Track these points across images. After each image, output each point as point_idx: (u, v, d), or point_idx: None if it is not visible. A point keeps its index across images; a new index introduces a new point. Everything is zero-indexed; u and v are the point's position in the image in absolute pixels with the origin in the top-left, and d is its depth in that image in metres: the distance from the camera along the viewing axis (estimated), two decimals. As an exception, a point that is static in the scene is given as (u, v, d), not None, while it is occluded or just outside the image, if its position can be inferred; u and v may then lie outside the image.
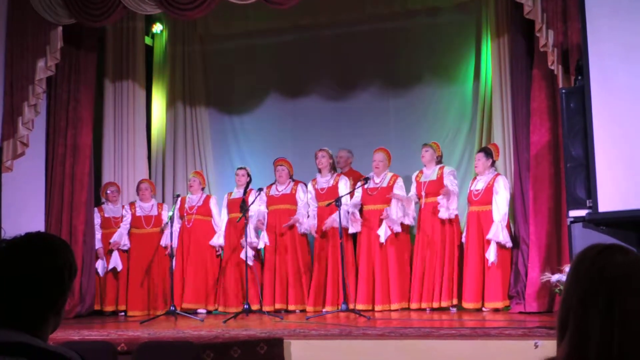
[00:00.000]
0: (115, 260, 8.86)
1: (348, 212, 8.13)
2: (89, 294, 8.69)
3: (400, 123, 9.87)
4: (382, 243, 7.94)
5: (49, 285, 1.92)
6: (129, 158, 9.78)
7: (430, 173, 8.10)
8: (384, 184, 8.19)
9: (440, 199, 7.80)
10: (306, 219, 8.42)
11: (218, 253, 8.88)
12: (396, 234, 8.00)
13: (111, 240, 8.87)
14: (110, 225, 9.07)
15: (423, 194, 8.01)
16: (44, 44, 8.35)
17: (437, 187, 7.93)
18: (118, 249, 8.88)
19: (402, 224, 8.04)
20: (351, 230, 8.13)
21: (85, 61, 9.01)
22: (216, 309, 8.70)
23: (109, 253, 8.94)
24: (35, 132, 8.47)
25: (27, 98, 8.29)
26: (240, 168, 8.97)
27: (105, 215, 9.12)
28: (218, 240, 8.81)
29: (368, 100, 10.05)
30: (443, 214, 7.79)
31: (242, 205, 8.05)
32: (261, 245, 8.51)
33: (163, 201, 9.88)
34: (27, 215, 8.34)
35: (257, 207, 8.48)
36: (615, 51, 5.90)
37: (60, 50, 8.38)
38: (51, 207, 8.74)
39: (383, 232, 7.92)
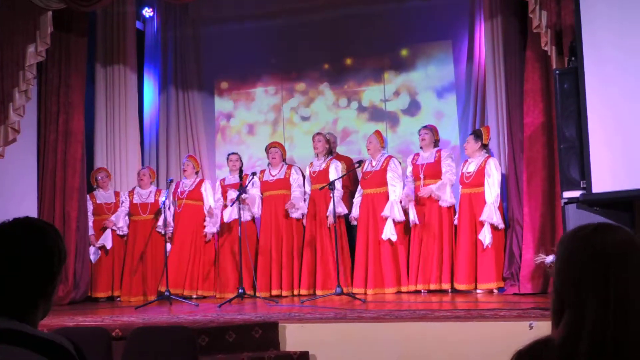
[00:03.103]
0: (105, 238, 8.86)
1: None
2: (83, 280, 8.66)
3: (394, 104, 9.87)
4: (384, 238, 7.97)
5: (38, 271, 1.90)
6: (122, 143, 9.75)
7: (428, 156, 8.09)
8: (378, 168, 8.18)
9: (435, 193, 7.77)
10: (302, 202, 8.40)
11: (207, 240, 8.83)
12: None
13: (110, 219, 8.90)
14: (102, 211, 9.07)
15: (422, 176, 8.00)
16: (34, 29, 8.26)
17: (435, 169, 7.93)
18: (112, 230, 8.89)
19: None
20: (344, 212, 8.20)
21: (76, 46, 8.93)
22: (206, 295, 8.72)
23: (102, 230, 8.95)
24: (26, 118, 8.40)
25: (18, 84, 8.21)
26: (233, 153, 8.97)
27: (97, 201, 9.12)
28: (211, 228, 8.76)
29: (362, 83, 10.03)
30: (444, 204, 7.80)
31: (239, 190, 8.05)
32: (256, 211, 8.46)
33: (157, 186, 9.86)
34: (20, 202, 8.30)
35: (250, 192, 8.46)
36: (608, 32, 5.88)
37: (50, 36, 8.28)
38: (44, 193, 8.70)
39: (389, 230, 7.92)
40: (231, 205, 8.26)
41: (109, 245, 8.89)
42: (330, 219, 8.00)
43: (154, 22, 10.71)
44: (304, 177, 8.64)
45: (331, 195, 7.66)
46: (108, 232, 8.91)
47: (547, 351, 1.60)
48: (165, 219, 8.33)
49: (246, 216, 8.40)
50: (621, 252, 1.60)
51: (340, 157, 8.94)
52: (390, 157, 8.31)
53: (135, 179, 9.28)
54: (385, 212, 7.93)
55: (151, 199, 8.99)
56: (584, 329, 1.55)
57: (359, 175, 8.43)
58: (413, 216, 7.90)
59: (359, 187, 8.35)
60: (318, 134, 8.70)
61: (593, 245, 1.61)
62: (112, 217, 8.94)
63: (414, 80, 9.82)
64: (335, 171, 8.28)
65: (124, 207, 9.02)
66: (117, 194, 9.24)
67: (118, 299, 8.86)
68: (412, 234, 7.99)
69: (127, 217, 9.05)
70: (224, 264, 8.59)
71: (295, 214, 8.34)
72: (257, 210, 8.51)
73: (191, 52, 10.64)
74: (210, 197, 8.90)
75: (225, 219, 8.48)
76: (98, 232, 8.98)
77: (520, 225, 7.37)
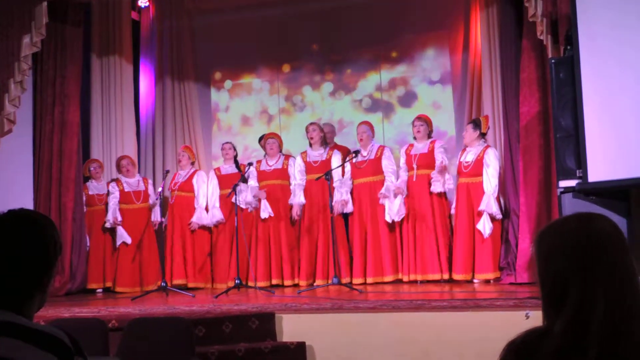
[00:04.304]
0: (122, 235, 8.73)
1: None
2: (79, 271, 8.66)
3: (390, 95, 9.85)
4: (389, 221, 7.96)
5: (34, 263, 1.89)
6: (118, 134, 9.73)
7: (422, 146, 8.08)
8: (372, 156, 8.18)
9: (435, 174, 7.76)
10: (298, 195, 8.38)
11: (192, 229, 8.77)
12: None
13: (109, 220, 8.76)
14: (94, 202, 9.02)
15: (414, 166, 7.99)
16: (29, 20, 8.21)
17: (428, 160, 7.92)
18: (117, 224, 8.79)
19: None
20: (347, 210, 8.15)
21: (71, 37, 8.91)
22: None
23: (104, 232, 8.87)
24: (22, 109, 8.37)
25: (13, 75, 8.17)
26: (226, 143, 8.97)
27: (90, 192, 9.07)
28: (199, 220, 8.70)
29: (358, 73, 10.01)
30: (437, 188, 7.79)
31: (242, 180, 8.05)
32: (264, 215, 8.37)
33: (153, 177, 9.84)
34: (16, 193, 8.28)
35: (248, 183, 8.45)
36: (604, 20, 5.86)
37: (45, 26, 8.24)
38: (40, 184, 8.68)
39: (390, 213, 7.91)
40: (228, 196, 8.25)
41: (129, 240, 8.73)
42: (335, 209, 7.99)
43: (149, 12, 10.66)
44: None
45: (331, 185, 7.65)
46: (120, 228, 8.73)
47: (542, 341, 1.59)
48: (160, 210, 8.32)
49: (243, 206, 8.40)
50: (618, 238, 1.63)
51: (338, 147, 8.93)
52: (383, 146, 8.31)
53: (121, 170, 9.13)
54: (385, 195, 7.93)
55: (142, 187, 8.97)
56: (595, 310, 1.55)
57: (348, 165, 8.34)
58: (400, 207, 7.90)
59: (347, 176, 8.28)
60: (312, 123, 8.68)
61: (594, 234, 1.63)
62: (110, 217, 8.75)
63: (409, 71, 9.80)
64: (338, 162, 8.25)
65: (115, 199, 8.88)
66: (109, 185, 9.19)
67: (111, 290, 8.83)
68: (404, 225, 7.97)
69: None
70: (220, 254, 8.59)
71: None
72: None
73: (187, 43, 10.58)
74: (202, 190, 8.83)
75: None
76: (89, 223, 8.92)
77: (517, 215, 7.38)
